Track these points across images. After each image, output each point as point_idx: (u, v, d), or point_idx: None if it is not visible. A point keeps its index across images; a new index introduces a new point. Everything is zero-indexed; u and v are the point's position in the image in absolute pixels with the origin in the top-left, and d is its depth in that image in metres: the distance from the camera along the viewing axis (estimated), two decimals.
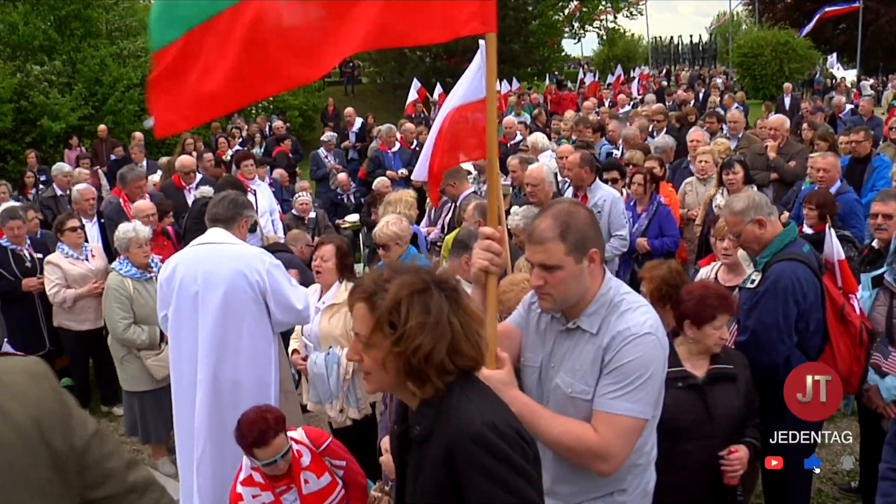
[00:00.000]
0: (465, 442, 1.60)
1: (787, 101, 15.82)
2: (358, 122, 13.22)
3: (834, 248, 3.57)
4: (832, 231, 3.64)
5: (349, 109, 14.16)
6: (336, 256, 4.07)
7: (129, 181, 6.86)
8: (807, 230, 5.07)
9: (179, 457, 3.89)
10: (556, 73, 32.10)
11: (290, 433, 3.17)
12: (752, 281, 3.47)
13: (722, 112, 11.31)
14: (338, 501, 3.21)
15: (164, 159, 9.84)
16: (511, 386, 2.10)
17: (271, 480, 3.11)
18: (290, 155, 12.26)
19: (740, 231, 3.49)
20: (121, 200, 6.86)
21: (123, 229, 4.97)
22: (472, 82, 4.49)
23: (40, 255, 5.82)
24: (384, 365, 1.69)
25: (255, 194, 7.41)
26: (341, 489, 3.25)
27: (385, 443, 2.98)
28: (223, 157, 11.82)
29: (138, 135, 12.36)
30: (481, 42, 4.72)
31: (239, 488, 3.15)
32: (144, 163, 11.12)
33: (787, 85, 17.74)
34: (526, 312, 2.37)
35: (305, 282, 5.56)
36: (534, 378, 2.28)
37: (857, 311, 3.48)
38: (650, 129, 10.20)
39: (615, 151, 8.76)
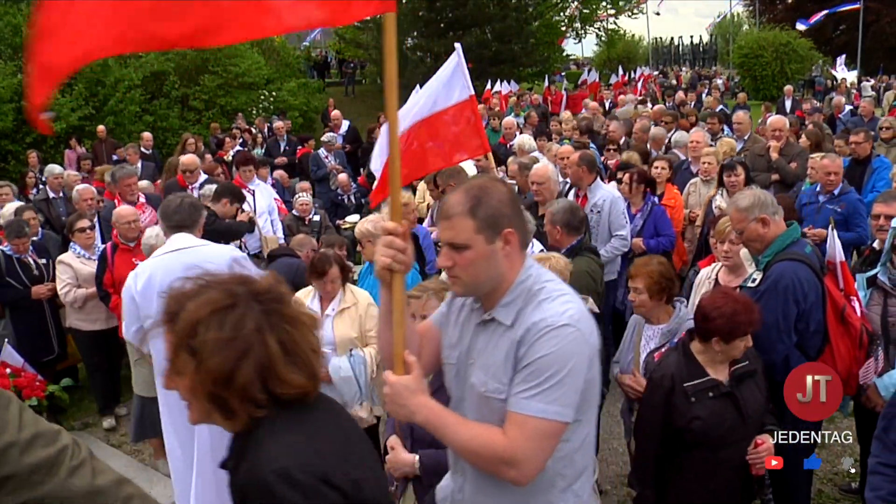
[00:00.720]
0: (253, 489, 1.42)
1: (788, 103, 15.75)
2: (345, 124, 13.25)
3: (836, 249, 3.58)
4: (834, 233, 3.65)
5: (335, 112, 14.21)
6: (340, 272, 4.18)
7: (118, 180, 6.82)
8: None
9: (171, 460, 3.94)
10: (559, 74, 32.15)
11: None
12: (754, 280, 3.47)
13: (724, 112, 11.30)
14: None
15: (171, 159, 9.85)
16: (417, 393, 1.90)
17: None
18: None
19: (743, 228, 3.50)
20: (115, 202, 6.83)
21: (149, 234, 4.99)
22: (452, 85, 4.53)
23: (44, 261, 5.84)
24: (195, 392, 1.48)
25: (253, 194, 7.41)
26: None
27: (392, 441, 2.98)
28: (225, 157, 11.81)
29: (147, 135, 12.31)
30: (457, 45, 4.80)
31: None
32: (139, 164, 11.15)
33: (788, 87, 17.65)
34: (447, 307, 2.18)
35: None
36: (451, 376, 2.11)
37: (859, 314, 3.48)
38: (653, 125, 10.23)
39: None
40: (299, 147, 12.70)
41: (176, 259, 3.78)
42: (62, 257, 5.68)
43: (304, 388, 1.51)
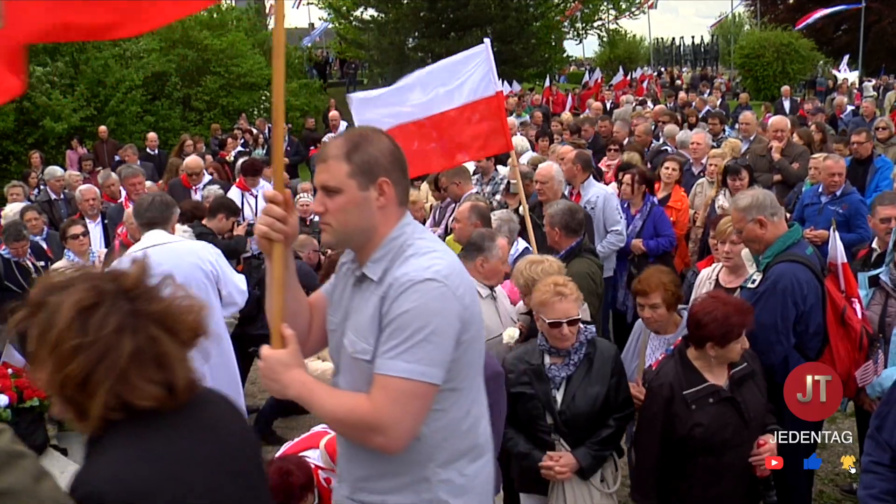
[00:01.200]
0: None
1: (787, 104, 15.72)
2: (342, 125, 13.28)
3: (838, 250, 3.57)
4: (836, 234, 3.64)
5: (333, 113, 14.23)
6: None
7: (123, 179, 6.94)
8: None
9: None
10: (563, 75, 32.17)
11: (310, 458, 2.95)
12: (753, 281, 3.46)
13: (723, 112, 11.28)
14: None
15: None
16: (291, 367, 1.82)
17: None
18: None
19: (742, 228, 3.50)
20: (122, 200, 6.92)
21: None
22: (476, 80, 4.47)
23: (42, 263, 5.82)
24: (51, 388, 1.41)
25: (255, 197, 7.45)
26: None
27: None
28: (227, 157, 11.82)
29: (152, 135, 12.29)
30: (486, 40, 4.74)
31: None
32: (138, 164, 11.12)
33: (786, 88, 17.62)
34: (336, 275, 2.08)
35: (315, 288, 5.56)
36: (334, 342, 2.00)
37: (859, 316, 3.47)
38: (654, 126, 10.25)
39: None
40: (312, 147, 12.66)
41: (149, 254, 3.85)
42: (57, 266, 5.57)
43: (157, 400, 1.40)
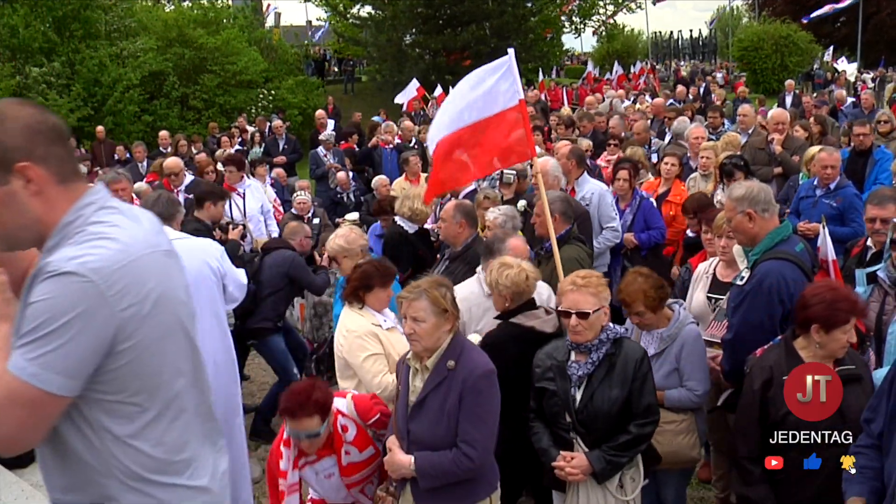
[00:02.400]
0: None
1: (789, 99, 15.59)
2: (330, 124, 13.29)
3: (828, 247, 3.56)
4: (826, 230, 3.62)
5: (319, 112, 14.28)
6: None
7: (107, 184, 6.50)
8: (690, 234, 5.12)
9: None
10: (561, 71, 32.12)
11: (337, 404, 3.12)
12: (742, 278, 3.44)
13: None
14: (380, 468, 3.14)
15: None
16: None
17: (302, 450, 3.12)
18: (356, 149, 11.82)
19: (732, 218, 3.50)
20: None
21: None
22: (501, 90, 4.53)
23: None
24: None
25: (243, 196, 7.30)
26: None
27: (390, 442, 2.96)
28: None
29: (164, 133, 12.15)
30: (510, 50, 4.77)
31: (281, 447, 3.19)
32: (145, 163, 11.05)
33: (790, 82, 17.51)
34: None
35: (309, 280, 5.59)
36: None
37: None
38: (650, 123, 10.20)
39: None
40: (342, 142, 12.60)
41: None
42: None
43: None
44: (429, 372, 2.83)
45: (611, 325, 3.12)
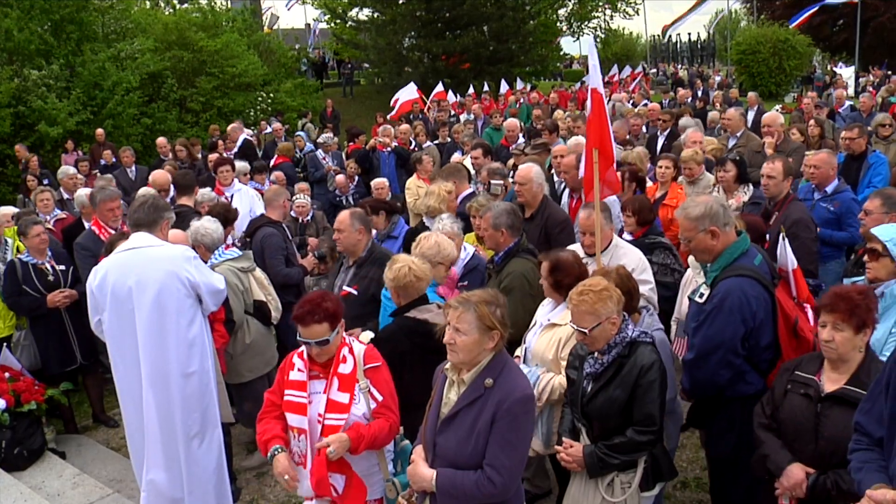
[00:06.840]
0: None
1: (751, 115, 11.73)
2: (241, 139, 13.33)
3: (788, 257, 3.48)
4: (786, 241, 3.52)
5: (277, 124, 14.76)
6: (550, 275, 3.77)
7: (98, 203, 5.80)
8: (627, 236, 5.05)
9: (133, 455, 4.11)
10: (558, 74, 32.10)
11: (352, 340, 3.28)
12: (701, 295, 3.39)
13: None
14: (353, 426, 3.09)
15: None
16: None
17: (309, 362, 3.23)
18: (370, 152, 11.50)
19: (692, 238, 3.41)
20: (95, 228, 5.82)
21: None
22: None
23: (62, 267, 5.60)
24: None
25: (230, 200, 7.27)
26: (362, 417, 3.13)
27: (415, 454, 2.91)
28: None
29: (162, 140, 12.10)
30: (590, 42, 4.88)
31: (294, 358, 3.29)
32: (134, 167, 10.98)
33: (752, 95, 14.56)
34: None
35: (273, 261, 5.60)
36: None
37: (811, 323, 3.38)
38: (644, 128, 10.25)
39: None
40: (350, 143, 12.57)
41: (126, 258, 3.92)
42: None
43: None
44: (465, 386, 2.74)
45: (630, 327, 3.16)
